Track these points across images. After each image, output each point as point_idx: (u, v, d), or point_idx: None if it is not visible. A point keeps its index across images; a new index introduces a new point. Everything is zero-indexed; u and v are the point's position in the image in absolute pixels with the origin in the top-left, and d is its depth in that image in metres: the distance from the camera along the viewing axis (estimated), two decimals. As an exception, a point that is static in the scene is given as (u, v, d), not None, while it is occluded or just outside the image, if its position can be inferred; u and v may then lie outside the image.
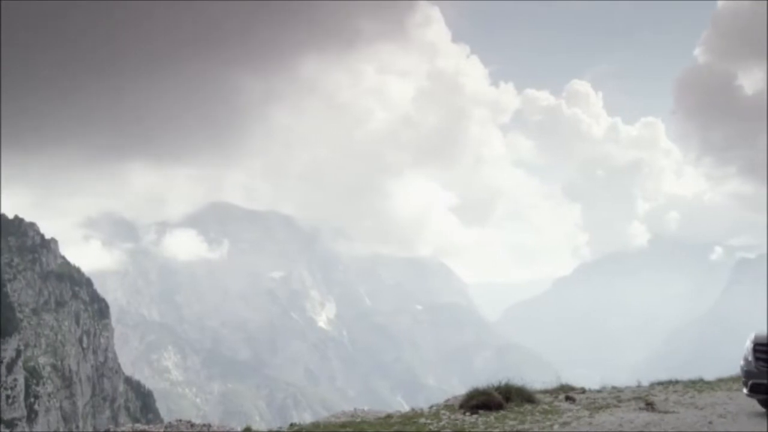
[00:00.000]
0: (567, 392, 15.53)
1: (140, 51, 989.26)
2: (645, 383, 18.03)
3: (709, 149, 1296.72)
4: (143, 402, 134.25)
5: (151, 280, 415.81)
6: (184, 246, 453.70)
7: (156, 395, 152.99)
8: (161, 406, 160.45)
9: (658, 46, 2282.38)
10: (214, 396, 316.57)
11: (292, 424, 14.45)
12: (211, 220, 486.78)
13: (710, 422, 11.12)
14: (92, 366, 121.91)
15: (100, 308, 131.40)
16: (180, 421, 13.55)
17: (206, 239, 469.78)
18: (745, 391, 11.97)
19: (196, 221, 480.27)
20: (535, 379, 15.86)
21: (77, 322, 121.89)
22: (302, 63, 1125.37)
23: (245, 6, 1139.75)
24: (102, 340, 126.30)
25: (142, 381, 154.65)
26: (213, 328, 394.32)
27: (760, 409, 12.12)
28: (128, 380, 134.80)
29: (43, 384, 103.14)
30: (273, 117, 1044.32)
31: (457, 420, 12.14)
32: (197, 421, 14.17)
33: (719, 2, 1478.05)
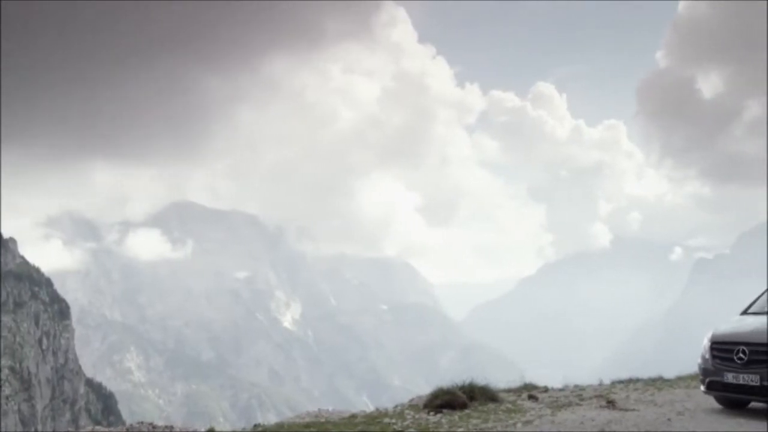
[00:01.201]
0: (530, 391, 15.67)
1: (102, 50, 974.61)
2: (607, 382, 18.24)
3: (670, 152, 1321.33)
4: (104, 404, 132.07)
5: (114, 280, 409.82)
6: (147, 246, 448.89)
7: (118, 397, 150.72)
8: (123, 408, 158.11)
9: (622, 49, 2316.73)
10: (178, 397, 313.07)
11: (256, 425, 14.37)
12: (175, 219, 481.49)
13: (669, 419, 11.32)
14: (52, 368, 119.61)
15: (60, 309, 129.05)
16: (142, 423, 13.37)
17: (170, 239, 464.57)
18: (702, 388, 12.24)
19: (159, 221, 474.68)
20: (500, 379, 15.98)
21: (36, 323, 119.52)
22: (268, 62, 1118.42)
23: (210, 5, 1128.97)
24: (62, 342, 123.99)
25: (104, 383, 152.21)
26: (176, 328, 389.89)
27: (717, 406, 12.40)
28: (89, 382, 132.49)
29: (1, 387, 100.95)
30: (238, 116, 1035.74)
31: (421, 419, 12.17)
32: (160, 422, 13.98)
33: (680, 4, 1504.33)
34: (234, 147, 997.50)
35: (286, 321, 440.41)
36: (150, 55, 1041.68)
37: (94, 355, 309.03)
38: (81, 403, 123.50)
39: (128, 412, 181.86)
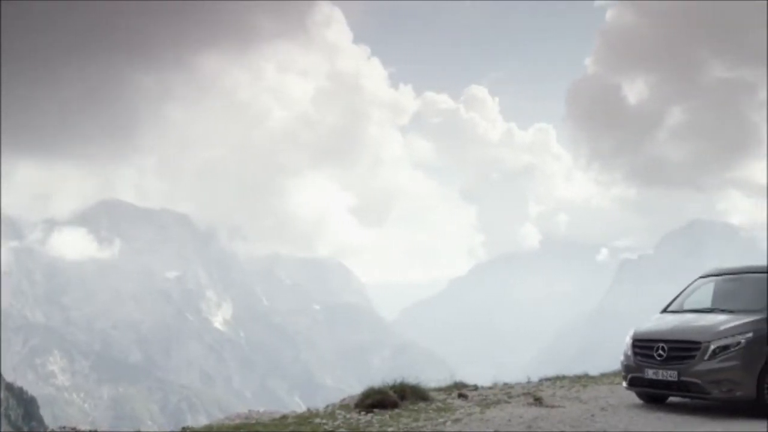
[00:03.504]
0: (460, 390, 15.86)
1: (27, 45, 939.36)
2: (535, 379, 18.61)
3: (598, 155, 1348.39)
4: (26, 409, 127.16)
5: (36, 280, 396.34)
6: (73, 245, 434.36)
7: (40, 401, 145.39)
8: (46, 413, 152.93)
9: (553, 54, 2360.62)
10: (104, 401, 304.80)
11: (184, 428, 14.12)
12: (102, 218, 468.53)
13: (593, 415, 11.68)
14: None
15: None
16: (64, 427, 13.00)
17: (97, 238, 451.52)
18: (624, 384, 12.70)
19: (86, 219, 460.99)
20: (431, 378, 16.12)
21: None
22: (199, 60, 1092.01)
23: (141, 2, 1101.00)
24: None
25: (25, 387, 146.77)
26: (103, 330, 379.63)
27: (638, 401, 12.87)
28: (9, 387, 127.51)
29: None
30: (168, 114, 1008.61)
31: (352, 419, 12.19)
32: (84, 427, 13.63)
33: (607, 12, 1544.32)
34: (164, 145, 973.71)
35: (218, 322, 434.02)
36: (78, 51, 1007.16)
37: (15, 359, 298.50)
38: (0, 408, 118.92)
39: (51, 417, 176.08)
